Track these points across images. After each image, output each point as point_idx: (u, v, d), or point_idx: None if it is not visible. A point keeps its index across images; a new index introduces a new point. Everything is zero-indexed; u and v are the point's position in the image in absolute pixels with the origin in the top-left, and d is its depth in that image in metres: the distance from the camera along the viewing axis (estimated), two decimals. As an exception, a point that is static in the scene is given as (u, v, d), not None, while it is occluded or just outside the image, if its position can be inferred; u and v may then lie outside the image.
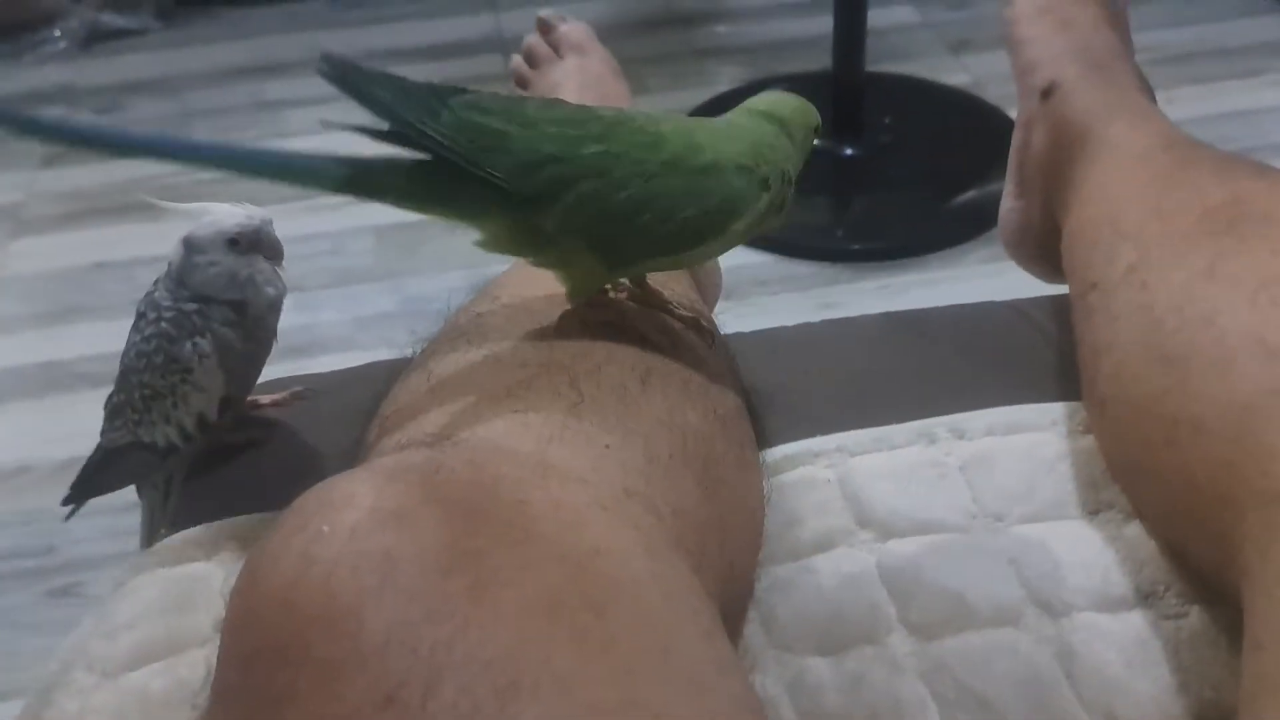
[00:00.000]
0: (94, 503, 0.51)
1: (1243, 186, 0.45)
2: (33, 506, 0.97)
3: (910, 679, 0.40)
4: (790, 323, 0.59)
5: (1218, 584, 0.39)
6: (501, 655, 0.25)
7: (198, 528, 0.47)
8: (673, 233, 0.40)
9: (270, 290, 0.47)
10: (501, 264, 0.48)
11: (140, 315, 0.48)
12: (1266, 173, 0.46)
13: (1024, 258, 0.64)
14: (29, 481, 1.00)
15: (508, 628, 0.26)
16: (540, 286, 0.46)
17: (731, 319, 0.53)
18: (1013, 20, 0.64)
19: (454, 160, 0.39)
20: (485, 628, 0.25)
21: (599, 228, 0.40)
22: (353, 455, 0.44)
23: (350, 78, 0.38)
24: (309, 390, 0.53)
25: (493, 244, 0.41)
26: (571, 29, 0.80)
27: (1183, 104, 1.31)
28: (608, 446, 0.36)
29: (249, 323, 0.47)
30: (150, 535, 0.50)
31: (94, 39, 1.68)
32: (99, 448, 0.49)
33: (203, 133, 1.48)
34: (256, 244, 0.47)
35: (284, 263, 0.48)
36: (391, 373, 0.47)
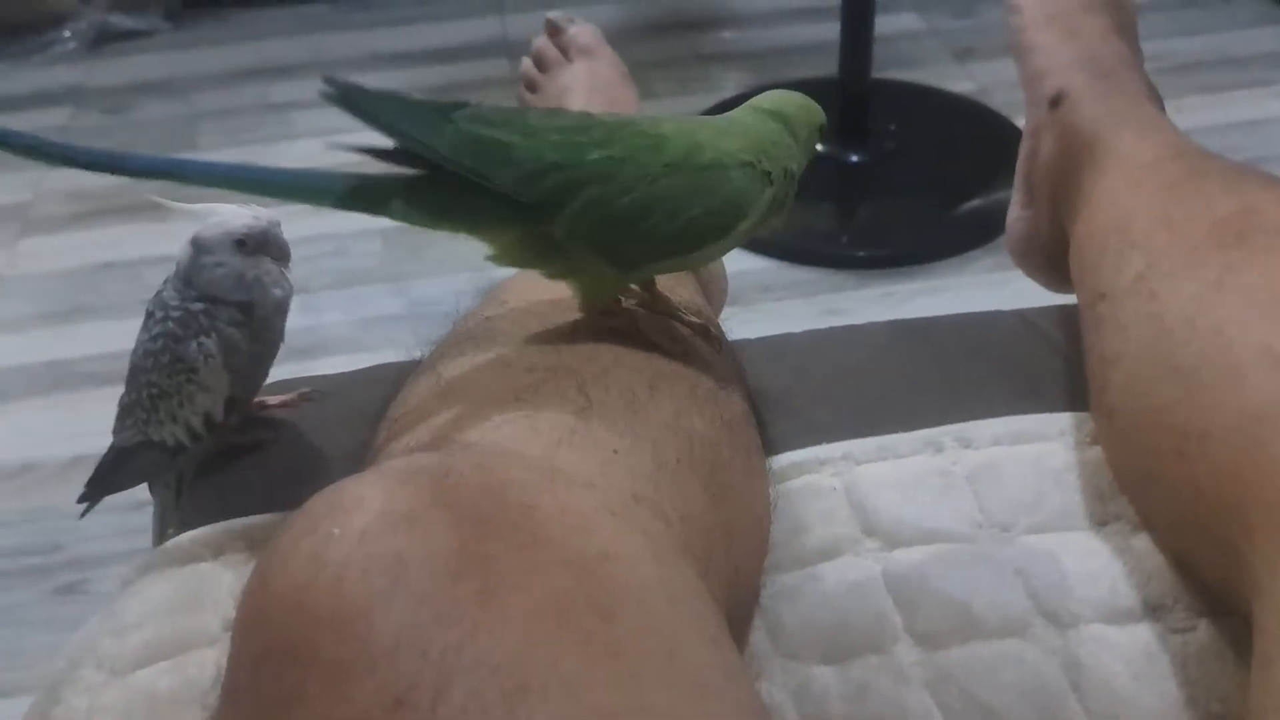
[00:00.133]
0: (101, 501, 0.51)
1: (1252, 198, 0.45)
2: (39, 504, 0.98)
3: (916, 689, 0.40)
4: (794, 329, 0.59)
5: (1226, 597, 0.39)
6: (510, 659, 0.25)
7: (205, 528, 0.47)
8: (679, 233, 0.41)
9: (277, 291, 0.48)
10: (508, 268, 0.48)
11: (149, 314, 0.48)
12: (1276, 184, 0.46)
13: (1031, 267, 0.64)
14: (35, 479, 1.00)
15: (516, 632, 0.26)
16: (547, 291, 0.46)
17: (735, 324, 0.53)
18: (1020, 28, 0.64)
19: (461, 174, 0.39)
20: (494, 632, 0.25)
21: (606, 233, 0.40)
22: (359, 457, 0.44)
23: (354, 99, 0.38)
24: (316, 392, 0.53)
25: (503, 256, 0.42)
26: (580, 32, 0.81)
27: (1190, 113, 1.31)
28: (615, 452, 0.36)
29: (255, 324, 0.47)
30: (161, 534, 0.50)
31: (103, 40, 1.68)
32: (111, 447, 0.50)
33: (210, 134, 1.48)
34: (264, 245, 0.47)
35: (290, 264, 0.48)
36: (399, 376, 0.47)
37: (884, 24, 1.34)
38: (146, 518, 0.53)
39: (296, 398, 0.53)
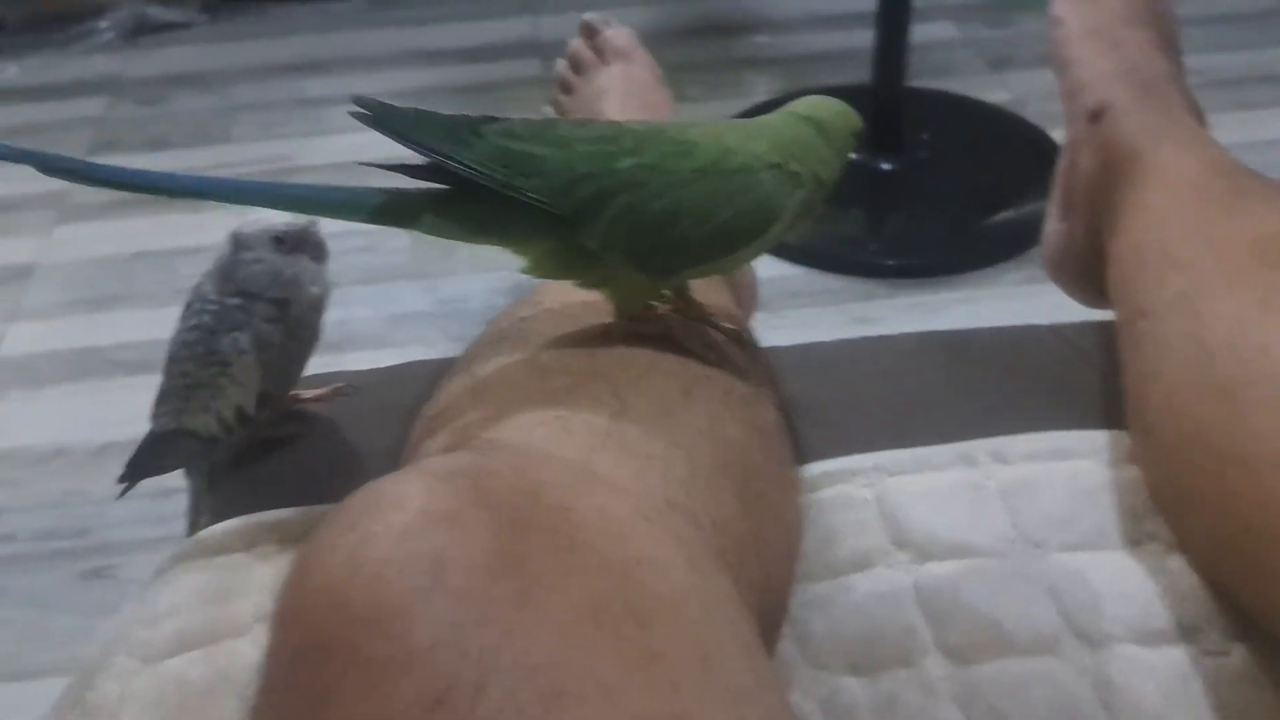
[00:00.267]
0: (138, 483, 0.51)
1: (1298, 218, 0.44)
2: (68, 489, 0.99)
3: (945, 703, 0.39)
4: (822, 336, 0.58)
5: (1262, 622, 0.39)
6: (548, 662, 0.25)
7: (238, 519, 0.47)
8: (711, 237, 0.41)
9: (314, 289, 0.48)
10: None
11: (188, 305, 0.49)
12: (1321, 204, 0.46)
13: (1066, 281, 0.64)
14: (65, 464, 1.01)
15: (554, 635, 0.26)
16: (581, 293, 0.46)
17: (763, 331, 0.53)
18: (1061, 40, 0.63)
19: (493, 188, 0.39)
20: (532, 634, 0.25)
21: (640, 239, 0.40)
22: (391, 453, 0.44)
23: (384, 117, 0.39)
24: (349, 387, 0.53)
25: (537, 269, 0.42)
26: (616, 34, 0.81)
27: (1227, 129, 1.29)
28: (650, 456, 0.36)
29: (291, 321, 0.48)
30: (195, 522, 0.50)
31: (140, 31, 1.70)
32: (150, 431, 0.50)
33: (244, 127, 1.50)
34: (301, 244, 0.48)
35: (327, 262, 0.48)
36: (432, 374, 0.47)
37: (919, 32, 1.33)
38: (174, 505, 0.53)
39: (330, 392, 0.53)
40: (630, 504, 0.32)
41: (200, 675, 0.40)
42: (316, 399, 0.53)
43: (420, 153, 0.39)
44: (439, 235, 0.41)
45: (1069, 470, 0.47)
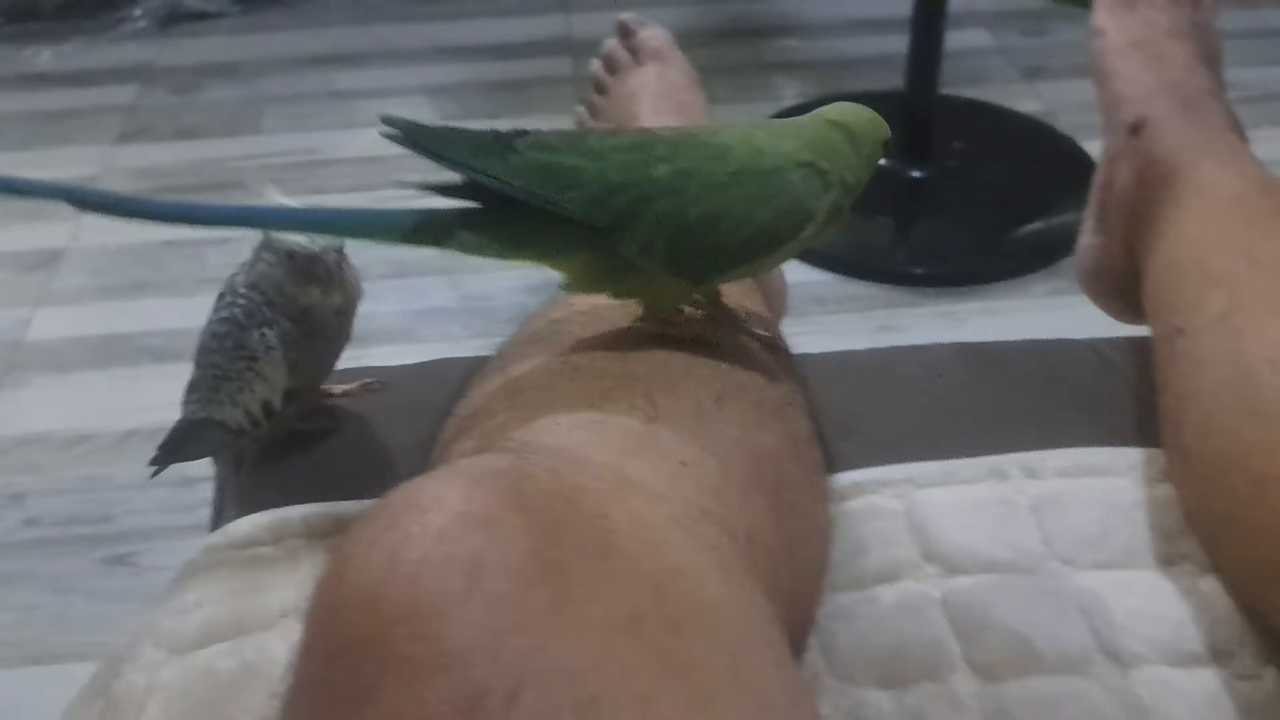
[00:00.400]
0: (168, 467, 0.51)
1: (1343, 239, 0.44)
2: (92, 474, 0.99)
3: (973, 719, 0.39)
4: (848, 344, 0.58)
5: (1299, 647, 0.38)
6: (583, 670, 0.25)
7: (266, 513, 0.47)
8: (749, 240, 0.41)
9: (335, 298, 0.48)
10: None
11: (221, 295, 0.49)
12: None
13: (1100, 295, 0.63)
14: (89, 450, 1.02)
15: (589, 642, 0.26)
16: (613, 295, 0.46)
17: (788, 337, 0.53)
18: (1102, 52, 0.63)
19: (530, 203, 0.39)
20: (567, 641, 0.25)
21: (678, 245, 0.40)
22: (421, 450, 0.44)
23: (416, 137, 0.39)
24: (379, 383, 0.53)
25: (575, 283, 0.42)
26: (652, 35, 0.80)
27: (1265, 145, 1.28)
28: (683, 464, 0.36)
29: (314, 322, 0.48)
30: (221, 513, 0.51)
31: (173, 20, 1.71)
32: (182, 418, 0.50)
33: (274, 118, 1.50)
34: (310, 265, 0.47)
35: (347, 251, 0.48)
36: (462, 371, 0.47)
37: (953, 39, 1.32)
38: (196, 494, 0.53)
39: (359, 387, 0.53)
40: (665, 511, 0.32)
41: (227, 667, 0.40)
42: (346, 394, 0.53)
43: (455, 170, 0.39)
44: (475, 254, 0.41)
45: (1101, 487, 0.46)
